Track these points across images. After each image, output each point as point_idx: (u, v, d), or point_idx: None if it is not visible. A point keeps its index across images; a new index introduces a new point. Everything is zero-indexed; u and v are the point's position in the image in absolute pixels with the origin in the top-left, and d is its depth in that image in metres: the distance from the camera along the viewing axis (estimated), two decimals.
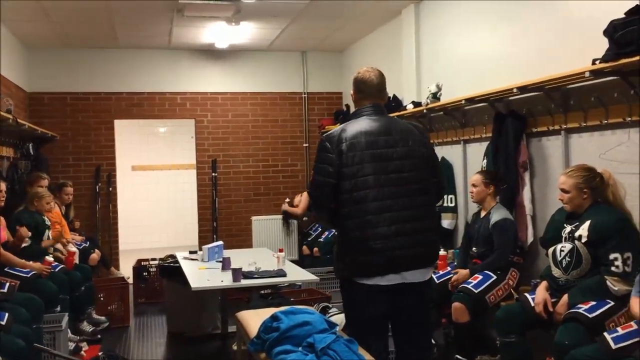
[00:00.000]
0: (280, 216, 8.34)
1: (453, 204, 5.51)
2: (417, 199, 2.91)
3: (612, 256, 3.17)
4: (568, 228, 3.42)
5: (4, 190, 4.69)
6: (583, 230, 3.31)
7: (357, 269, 2.89)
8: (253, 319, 3.59)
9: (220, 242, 5.69)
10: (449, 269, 4.62)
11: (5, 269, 4.47)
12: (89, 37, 7.34)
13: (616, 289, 3.16)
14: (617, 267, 3.16)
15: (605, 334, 2.87)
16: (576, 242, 3.33)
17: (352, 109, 3.22)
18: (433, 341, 4.14)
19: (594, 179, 3.39)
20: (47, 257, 4.96)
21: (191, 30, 7.13)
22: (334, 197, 2.91)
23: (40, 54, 7.74)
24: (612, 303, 3.16)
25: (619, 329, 2.89)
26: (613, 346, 2.76)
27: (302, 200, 7.78)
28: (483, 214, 4.43)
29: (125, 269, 7.50)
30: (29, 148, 6.60)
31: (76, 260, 5.91)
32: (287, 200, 8.07)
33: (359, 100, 3.07)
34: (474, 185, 4.45)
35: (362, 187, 2.85)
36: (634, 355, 2.61)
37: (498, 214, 4.28)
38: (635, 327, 2.83)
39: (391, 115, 6.43)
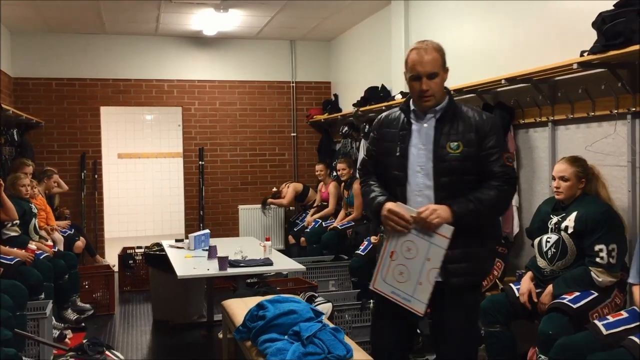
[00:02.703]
0: (273, 207, 8.32)
1: None
2: None
3: (597, 247, 3.19)
4: (554, 219, 3.44)
5: None
6: (569, 221, 3.33)
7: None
8: (239, 308, 3.59)
9: (207, 231, 5.68)
10: None
11: None
12: (75, 22, 7.26)
13: (600, 279, 3.18)
14: (601, 258, 3.18)
15: (596, 321, 2.90)
16: (562, 233, 3.36)
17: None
18: (419, 330, 4.17)
19: (590, 170, 3.42)
20: (30, 245, 4.92)
21: (179, 16, 7.06)
22: None
23: (25, 39, 7.64)
24: (596, 294, 3.19)
25: (609, 316, 2.92)
26: (604, 332, 2.79)
27: (288, 191, 7.78)
28: None
29: (111, 257, 7.46)
30: (13, 134, 6.51)
31: (61, 248, 5.89)
32: (274, 189, 8.06)
33: None
34: None
35: None
36: (623, 345, 2.63)
37: None
38: (625, 315, 2.86)
39: (382, 105, 6.52)
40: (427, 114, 2.61)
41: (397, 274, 2.54)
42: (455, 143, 2.55)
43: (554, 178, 3.48)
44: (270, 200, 8.00)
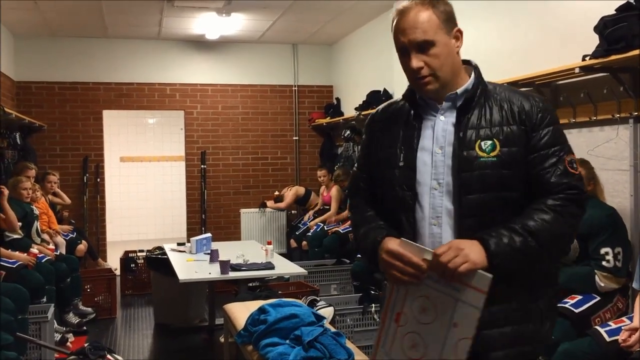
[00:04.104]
0: (268, 209, 8.34)
1: None
2: None
3: (603, 250, 3.18)
4: None
5: None
6: None
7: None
8: (241, 312, 3.58)
9: (209, 235, 5.68)
10: None
11: None
12: (78, 26, 7.27)
13: (602, 285, 3.17)
14: (608, 261, 3.17)
15: (598, 327, 2.89)
16: None
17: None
18: None
19: (594, 173, 3.42)
20: (32, 249, 4.93)
21: (181, 20, 7.08)
22: None
23: (28, 43, 7.66)
24: (598, 298, 3.19)
25: (611, 322, 2.91)
26: (607, 339, 2.78)
27: (289, 194, 7.78)
28: None
29: (113, 261, 7.46)
30: (16, 137, 6.53)
31: (63, 251, 5.89)
32: (276, 193, 8.07)
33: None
34: None
35: None
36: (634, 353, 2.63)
37: None
38: (627, 321, 2.85)
39: None
40: (445, 101, 1.78)
41: (408, 347, 1.69)
42: (489, 142, 1.71)
43: None
44: (268, 204, 8.03)
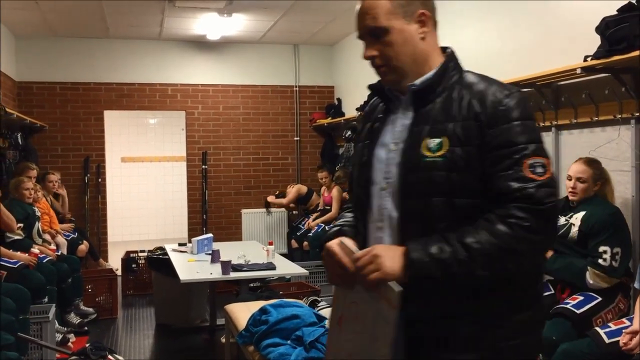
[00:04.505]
0: (272, 210, 8.35)
1: None
2: None
3: (601, 249, 3.17)
4: (561, 219, 3.42)
5: None
6: (576, 219, 3.32)
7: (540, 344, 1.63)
8: (242, 312, 3.58)
9: (210, 235, 5.68)
10: None
11: None
12: (79, 26, 7.28)
13: (591, 282, 3.18)
14: (604, 260, 3.16)
15: (598, 328, 2.88)
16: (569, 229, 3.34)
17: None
18: None
19: (604, 173, 3.40)
20: (33, 249, 4.94)
21: (182, 21, 7.08)
22: None
23: (29, 43, 7.66)
24: (600, 299, 3.18)
25: (611, 324, 2.90)
26: (607, 340, 2.78)
27: (292, 191, 7.78)
28: None
29: (114, 261, 7.46)
30: (17, 138, 6.54)
31: (64, 251, 5.90)
32: (277, 192, 8.07)
33: (431, 34, 1.62)
34: None
35: None
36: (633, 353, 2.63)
37: None
38: (627, 323, 2.85)
39: None
40: (406, 93, 1.61)
41: (346, 354, 1.54)
42: (438, 140, 1.49)
43: (569, 178, 3.41)
44: (269, 199, 8.02)
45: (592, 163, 3.40)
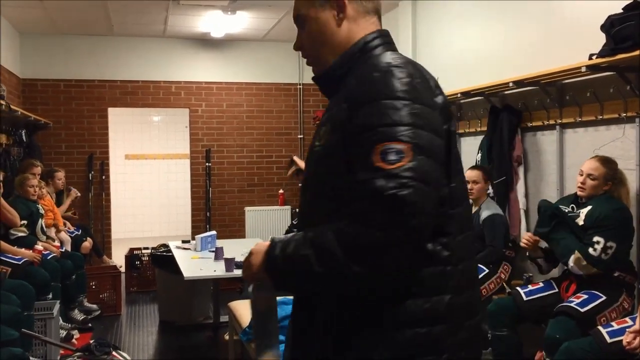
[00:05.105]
0: (274, 207, 8.34)
1: None
2: None
3: (595, 238, 3.17)
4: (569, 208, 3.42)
5: (1, 179, 4.72)
6: (582, 214, 3.32)
7: None
8: (245, 309, 3.59)
9: (214, 232, 5.68)
10: None
11: None
12: (83, 24, 7.28)
13: (572, 264, 3.22)
14: (594, 249, 3.16)
15: (600, 328, 2.88)
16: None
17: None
18: None
19: (618, 174, 3.37)
20: (37, 246, 4.95)
21: (187, 18, 7.08)
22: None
23: (34, 40, 7.67)
24: (604, 297, 3.17)
25: (613, 323, 2.90)
26: (608, 340, 2.77)
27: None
28: (474, 209, 4.40)
29: (118, 258, 7.47)
30: (21, 135, 6.55)
31: (68, 248, 5.91)
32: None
33: (353, 21, 1.47)
34: (474, 182, 4.27)
35: (458, 202, 1.37)
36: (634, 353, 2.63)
37: (488, 210, 4.24)
38: (629, 322, 2.84)
39: None
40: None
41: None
42: (323, 128, 1.40)
43: (581, 173, 3.40)
44: (295, 157, 7.85)
45: (606, 162, 3.36)
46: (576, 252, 3.21)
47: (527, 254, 3.70)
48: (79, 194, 7.09)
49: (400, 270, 1.23)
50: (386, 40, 1.49)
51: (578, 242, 3.26)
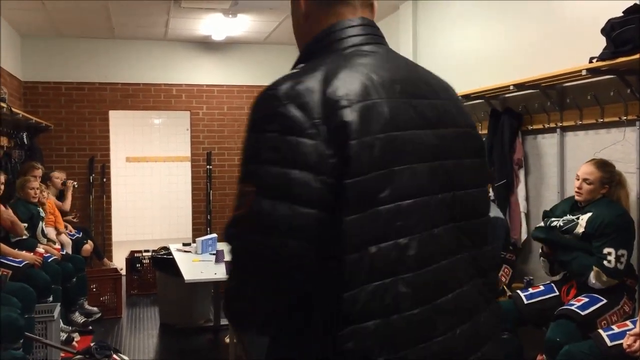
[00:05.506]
0: None
1: None
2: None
3: (606, 250, 3.17)
4: (569, 216, 3.41)
5: (3, 181, 4.73)
6: (582, 220, 3.31)
7: None
8: None
9: (214, 235, 5.68)
10: None
11: None
12: (85, 27, 7.30)
13: (594, 281, 3.18)
14: (609, 262, 3.16)
15: (601, 331, 2.88)
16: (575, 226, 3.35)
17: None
18: None
19: (616, 176, 3.38)
20: (38, 248, 4.95)
21: (188, 21, 7.09)
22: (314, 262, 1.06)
23: (35, 43, 7.69)
24: (605, 301, 3.17)
25: (614, 327, 2.90)
26: (609, 343, 2.77)
27: None
28: None
29: (118, 261, 7.48)
30: (23, 137, 6.56)
31: (69, 251, 5.91)
32: None
33: (319, 12, 1.32)
34: None
35: (400, 231, 1.08)
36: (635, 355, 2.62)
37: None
38: (630, 325, 2.84)
39: None
40: None
41: None
42: None
43: (577, 177, 3.41)
44: None
45: (602, 166, 3.37)
46: (594, 268, 3.19)
47: (540, 251, 3.68)
48: (75, 184, 7.10)
49: (257, 317, 1.11)
50: (328, 41, 1.29)
51: (589, 257, 3.25)
